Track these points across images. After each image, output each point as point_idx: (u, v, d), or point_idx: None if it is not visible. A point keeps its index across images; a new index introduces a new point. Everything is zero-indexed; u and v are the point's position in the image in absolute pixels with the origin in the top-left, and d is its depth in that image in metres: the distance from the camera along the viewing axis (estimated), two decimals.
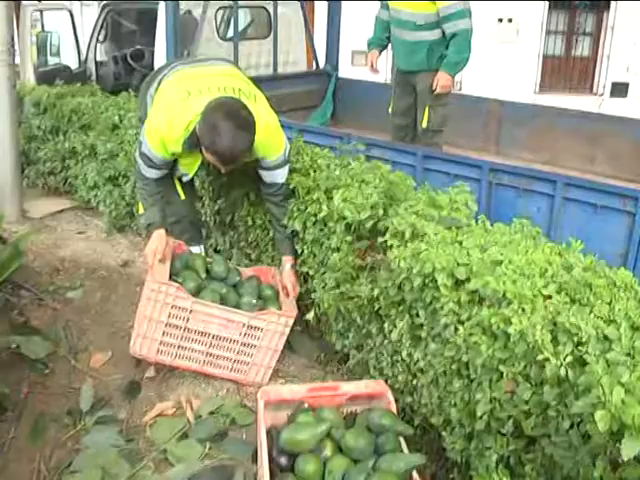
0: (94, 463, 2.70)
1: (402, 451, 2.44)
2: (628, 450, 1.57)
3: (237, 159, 2.97)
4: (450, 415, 2.33)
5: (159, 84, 3.35)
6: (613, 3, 13.31)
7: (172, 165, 3.32)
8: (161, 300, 3.06)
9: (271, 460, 2.42)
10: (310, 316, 3.19)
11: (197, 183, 3.89)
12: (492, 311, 2.06)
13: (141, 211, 3.50)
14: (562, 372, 1.83)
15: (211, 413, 3.04)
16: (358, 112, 6.54)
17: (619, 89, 13.52)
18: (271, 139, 3.14)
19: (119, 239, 4.83)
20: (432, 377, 2.44)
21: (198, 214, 3.94)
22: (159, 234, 3.26)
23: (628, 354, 1.79)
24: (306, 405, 2.61)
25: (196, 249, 3.65)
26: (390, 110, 5.33)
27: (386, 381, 2.74)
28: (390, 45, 5.24)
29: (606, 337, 1.86)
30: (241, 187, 3.63)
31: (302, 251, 3.21)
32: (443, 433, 2.43)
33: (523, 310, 2.00)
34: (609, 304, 2.02)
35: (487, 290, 2.10)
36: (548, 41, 13.89)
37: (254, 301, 3.27)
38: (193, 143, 3.02)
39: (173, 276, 3.23)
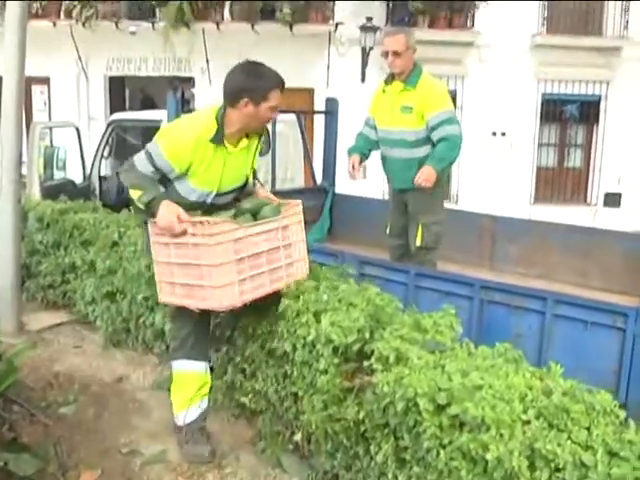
0: None
1: None
2: None
3: None
4: None
5: None
6: (602, 115, 13.76)
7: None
8: (223, 240, 3.08)
9: None
10: (299, 437, 3.20)
11: None
12: (471, 436, 2.10)
13: (137, 195, 3.23)
14: None
15: None
16: (354, 227, 6.61)
17: (612, 200, 13.81)
18: None
19: (115, 354, 4.85)
20: None
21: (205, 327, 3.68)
22: (167, 202, 3.16)
23: None
24: None
25: (200, 366, 3.52)
26: (387, 231, 5.35)
27: None
28: (382, 166, 5.34)
29: (583, 463, 1.89)
30: None
31: (292, 372, 3.23)
32: None
33: (501, 436, 2.04)
34: (587, 429, 2.06)
35: (467, 415, 2.14)
36: (541, 153, 14.28)
37: (273, 205, 3.46)
38: (221, 135, 3.21)
39: None
